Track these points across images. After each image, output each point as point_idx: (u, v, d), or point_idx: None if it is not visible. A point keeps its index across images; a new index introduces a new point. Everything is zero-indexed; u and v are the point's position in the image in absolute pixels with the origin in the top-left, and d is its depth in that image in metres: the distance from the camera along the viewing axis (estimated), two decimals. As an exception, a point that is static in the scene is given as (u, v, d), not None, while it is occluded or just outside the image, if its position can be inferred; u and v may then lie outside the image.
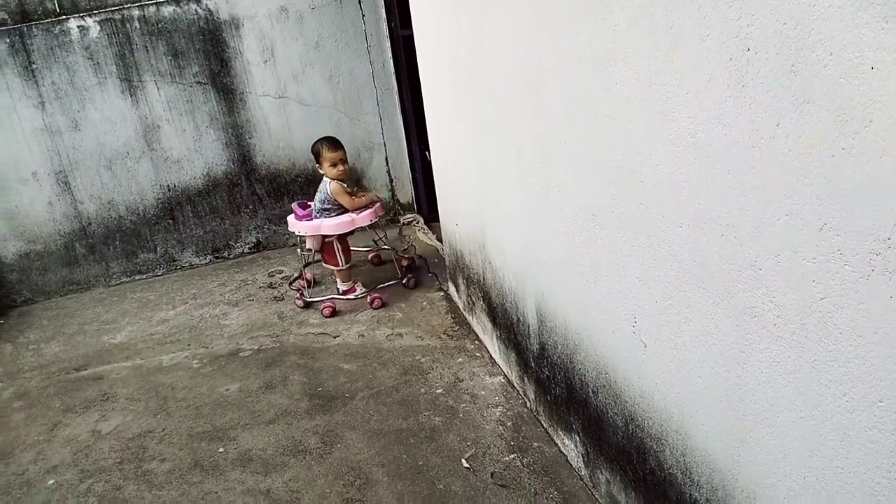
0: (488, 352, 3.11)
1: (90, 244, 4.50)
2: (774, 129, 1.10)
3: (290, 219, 3.83)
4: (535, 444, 2.48)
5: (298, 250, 4.19)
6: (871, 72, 0.90)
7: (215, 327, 3.79)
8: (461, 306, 3.53)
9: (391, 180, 4.97)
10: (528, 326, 2.49)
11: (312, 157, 3.82)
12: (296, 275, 4.23)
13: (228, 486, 2.47)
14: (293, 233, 3.85)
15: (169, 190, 4.55)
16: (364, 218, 3.71)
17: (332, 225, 3.67)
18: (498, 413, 2.69)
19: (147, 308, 4.17)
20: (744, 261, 1.24)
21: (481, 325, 3.17)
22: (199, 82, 4.45)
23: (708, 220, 1.32)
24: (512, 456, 2.43)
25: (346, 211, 3.70)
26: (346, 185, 3.71)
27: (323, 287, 4.11)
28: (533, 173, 2.17)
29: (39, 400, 3.25)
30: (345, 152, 3.73)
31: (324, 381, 3.04)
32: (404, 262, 4.03)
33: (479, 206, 2.88)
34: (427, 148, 3.71)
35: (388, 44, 4.64)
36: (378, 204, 3.83)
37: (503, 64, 2.24)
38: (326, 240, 3.74)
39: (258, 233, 4.80)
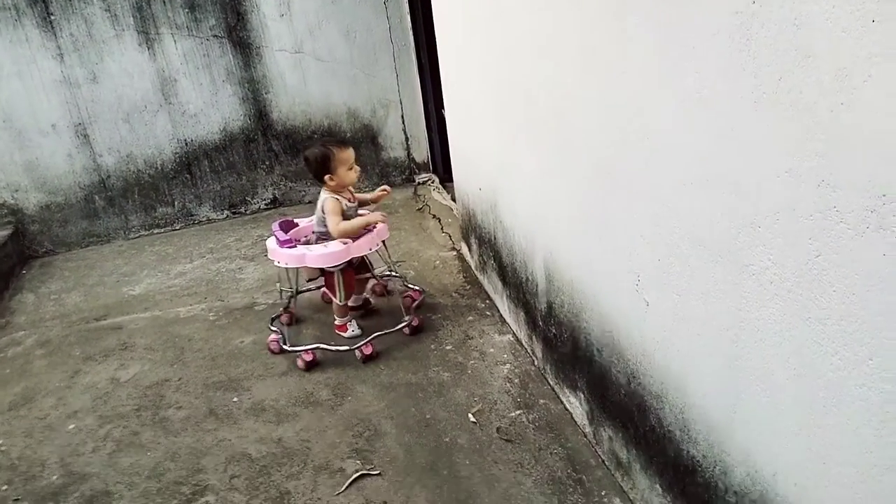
0: (498, 311, 3.13)
1: (109, 197, 4.56)
2: (777, 83, 1.08)
3: (270, 243, 2.96)
4: (542, 401, 2.51)
5: (278, 284, 3.38)
6: (872, 25, 0.89)
7: (231, 281, 3.84)
8: (473, 266, 3.55)
9: (406, 138, 4.95)
10: (537, 285, 2.50)
11: (311, 168, 2.92)
12: (279, 311, 3.30)
13: (242, 434, 2.54)
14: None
15: (186, 144, 4.58)
16: (362, 246, 2.88)
17: (319, 256, 2.81)
18: (506, 370, 2.72)
19: (165, 261, 4.23)
20: (744, 218, 1.23)
21: (492, 284, 3.19)
22: (215, 36, 4.44)
23: (711, 177, 1.31)
24: (518, 412, 2.47)
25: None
26: (345, 201, 2.92)
27: (309, 327, 3.26)
28: (545, 130, 2.16)
29: (60, 348, 3.34)
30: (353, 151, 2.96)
31: (336, 335, 3.09)
32: (407, 299, 3.24)
33: (492, 165, 2.87)
34: (443, 106, 3.68)
35: (405, -1, 4.59)
36: (381, 225, 2.96)
37: (518, 18, 2.21)
38: (328, 270, 2.96)
39: (274, 189, 4.84)
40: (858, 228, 0.97)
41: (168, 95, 4.47)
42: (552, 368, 2.52)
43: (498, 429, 2.39)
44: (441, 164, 4.80)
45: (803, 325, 1.13)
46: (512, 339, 2.92)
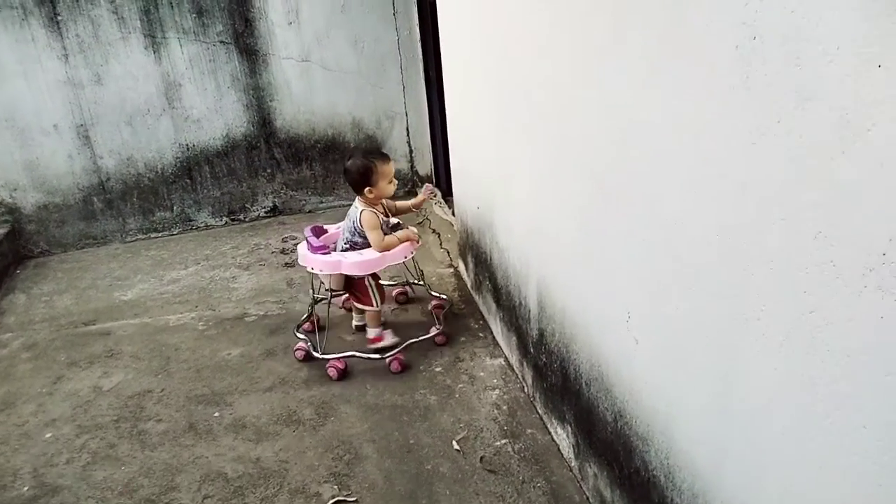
0: (491, 333, 3.06)
1: (108, 199, 4.52)
2: (775, 125, 1.01)
3: (302, 249, 2.94)
4: (529, 430, 2.44)
5: (311, 290, 3.31)
6: (878, 70, 0.82)
7: (224, 290, 3.79)
8: (469, 285, 3.48)
9: (411, 151, 4.90)
10: (529, 311, 2.43)
11: (352, 180, 2.86)
12: (304, 316, 3.22)
13: (219, 452, 2.47)
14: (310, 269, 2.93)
15: (188, 149, 4.54)
16: (397, 255, 2.88)
17: (354, 264, 2.81)
18: (494, 396, 2.64)
19: (160, 266, 4.18)
20: (737, 263, 1.16)
21: (486, 305, 3.12)
22: (222, 41, 4.40)
23: (704, 217, 1.24)
24: (504, 441, 2.39)
25: None
26: (380, 216, 2.89)
27: (334, 335, 3.18)
28: (541, 154, 2.10)
29: (46, 352, 3.29)
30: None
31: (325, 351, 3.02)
32: (438, 308, 3.23)
33: (490, 184, 2.81)
34: (446, 120, 3.63)
35: (415, 10, 4.54)
36: (415, 240, 2.97)
37: (519, 34, 2.15)
38: (357, 277, 2.93)
39: (275, 197, 4.79)
40: (856, 287, 0.90)
41: (172, 100, 4.43)
42: (541, 397, 2.44)
43: (482, 458, 2.32)
44: (444, 179, 4.73)
45: (794, 382, 1.05)
46: (503, 363, 2.85)
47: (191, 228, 4.72)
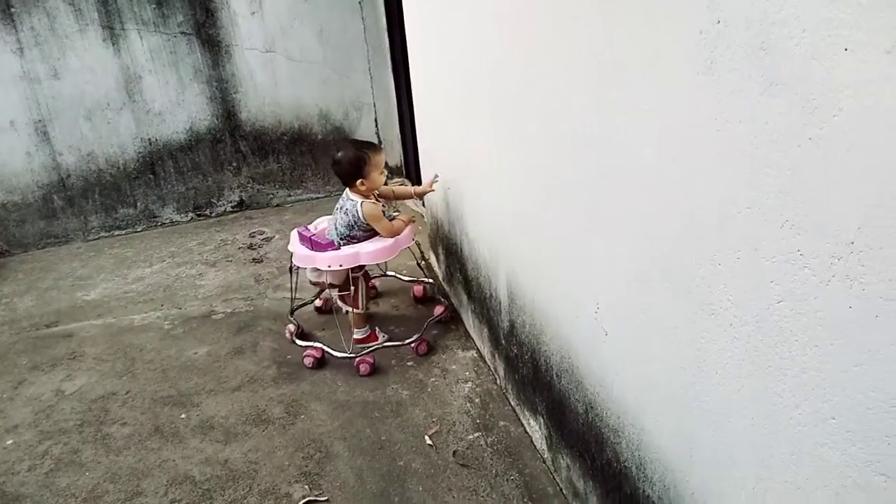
0: (464, 325, 3.04)
1: (69, 197, 4.40)
2: (741, 112, 0.99)
3: (297, 248, 2.79)
4: (502, 422, 2.42)
5: (291, 292, 3.13)
6: (844, 53, 0.80)
7: (190, 288, 3.71)
8: (440, 277, 3.45)
9: (380, 142, 4.84)
10: (500, 302, 2.40)
11: (343, 171, 2.72)
12: (290, 321, 3.09)
13: (187, 455, 2.41)
14: (305, 269, 2.84)
15: (150, 143, 4.43)
16: (407, 237, 2.85)
17: (373, 252, 2.71)
18: (467, 389, 2.62)
19: (124, 265, 4.09)
20: (704, 254, 1.14)
21: (458, 297, 3.09)
22: (183, 33, 4.29)
23: (671, 206, 1.22)
24: (476, 434, 2.37)
25: (374, 233, 2.80)
26: (380, 206, 2.80)
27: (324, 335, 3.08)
28: (506, 144, 2.07)
29: (7, 356, 3.19)
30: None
31: (294, 348, 2.97)
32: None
33: (457, 173, 2.77)
34: (413, 111, 3.58)
35: (380, -1, 4.48)
36: (414, 222, 2.94)
37: (482, 17, 2.11)
38: (353, 274, 2.81)
39: (241, 191, 4.70)
40: (823, 276, 0.88)
41: (132, 93, 4.32)
42: (513, 389, 2.42)
43: (455, 452, 2.29)
44: (415, 169, 4.68)
45: (762, 373, 1.04)
46: (475, 355, 2.82)
47: (155, 225, 4.62)
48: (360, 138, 4.66)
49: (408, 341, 2.85)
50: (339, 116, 4.70)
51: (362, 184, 2.72)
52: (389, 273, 3.41)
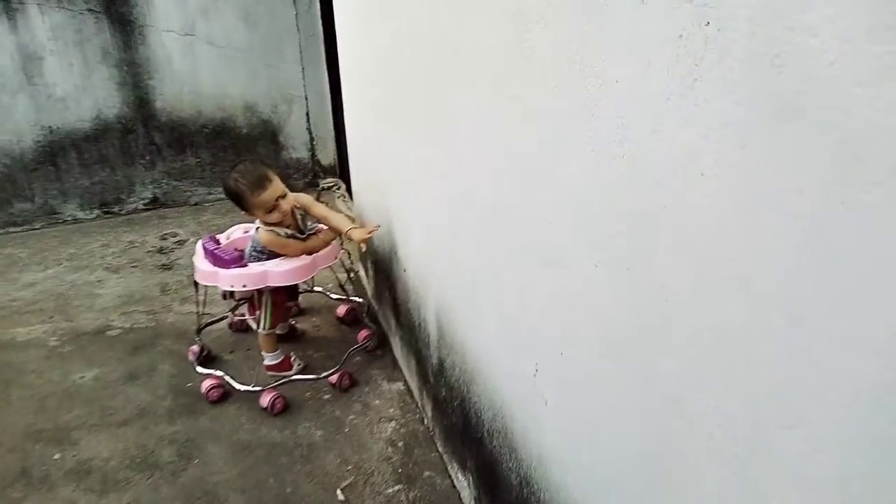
0: (392, 352, 2.72)
1: (-46, 188, 3.91)
2: (738, 151, 0.70)
3: (199, 263, 2.42)
4: (427, 472, 2.11)
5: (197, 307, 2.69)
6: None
7: (87, 297, 3.29)
8: (369, 293, 3.12)
9: (312, 139, 4.47)
10: (429, 335, 2.10)
11: (230, 199, 2.38)
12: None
13: (53, 508, 2.04)
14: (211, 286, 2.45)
15: (51, 132, 3.96)
16: (327, 256, 2.48)
17: (285, 273, 2.33)
18: (390, 430, 2.30)
19: (14, 268, 3.63)
20: (671, 339, 0.85)
21: (387, 319, 2.77)
22: (90, 10, 3.84)
23: (627, 264, 0.93)
24: (397, 487, 2.06)
25: None
26: (282, 231, 2.40)
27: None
28: (432, 158, 1.76)
29: None
30: (278, 180, 2.35)
31: (197, 374, 2.60)
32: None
33: (386, 182, 2.45)
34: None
35: (314, -17, 4.11)
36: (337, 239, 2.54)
37: (411, 14, 1.79)
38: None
39: (155, 187, 4.27)
40: (852, 409, 0.59)
41: (31, 75, 3.84)
42: (442, 433, 2.12)
43: (371, 511, 1.98)
44: (350, 169, 4.34)
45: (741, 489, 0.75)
46: (402, 388, 2.51)
47: (56, 222, 4.15)
48: (279, 135, 4.32)
49: (325, 374, 2.50)
50: (266, 109, 4.31)
51: (251, 214, 2.37)
52: (317, 289, 3.05)
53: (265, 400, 2.37)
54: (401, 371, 2.59)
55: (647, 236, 0.88)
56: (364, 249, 2.56)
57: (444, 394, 2.01)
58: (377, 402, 2.44)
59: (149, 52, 3.99)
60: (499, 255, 1.42)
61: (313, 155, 4.51)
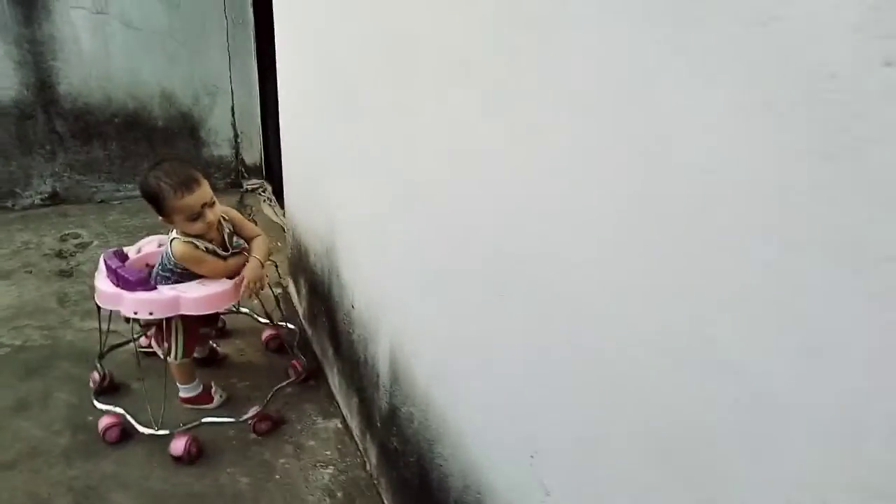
0: (327, 383, 2.44)
1: None
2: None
3: (100, 282, 2.07)
4: (371, 530, 1.87)
5: (99, 332, 2.29)
6: None
7: (-30, 306, 2.86)
8: (301, 313, 2.83)
9: (236, 135, 4.11)
10: (378, 375, 1.85)
11: (146, 201, 2.05)
12: (96, 369, 2.35)
13: (-87, 581, 1.67)
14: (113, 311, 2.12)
15: (-68, 113, 3.46)
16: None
17: (200, 300, 2.00)
18: (328, 476, 2.04)
19: None
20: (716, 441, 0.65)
21: (321, 345, 2.50)
22: (-15, -24, 3.37)
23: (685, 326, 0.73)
24: (338, 549, 1.81)
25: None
26: (201, 244, 2.06)
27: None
28: (387, 164, 1.52)
29: None
30: (207, 185, 2.03)
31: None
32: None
33: (329, 193, 2.18)
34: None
35: (246, -36, 3.76)
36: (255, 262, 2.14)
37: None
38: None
39: (55, 181, 3.80)
40: None
41: None
42: (391, 486, 1.88)
43: (308, 579, 1.72)
44: (277, 170, 4.00)
45: None
46: (340, 425, 2.25)
47: (-63, 215, 3.63)
48: (200, 130, 3.95)
49: (244, 417, 2.16)
50: (186, 100, 3.92)
51: (168, 220, 2.04)
52: (243, 309, 2.70)
53: (178, 446, 2.04)
54: (338, 406, 2.32)
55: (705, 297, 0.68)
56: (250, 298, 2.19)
57: (394, 444, 1.77)
58: (311, 442, 2.17)
59: (53, 29, 3.54)
60: (490, 295, 1.20)
61: (237, 153, 4.15)
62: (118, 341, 2.42)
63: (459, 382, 1.36)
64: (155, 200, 2.00)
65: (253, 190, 4.13)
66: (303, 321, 2.78)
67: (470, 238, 1.23)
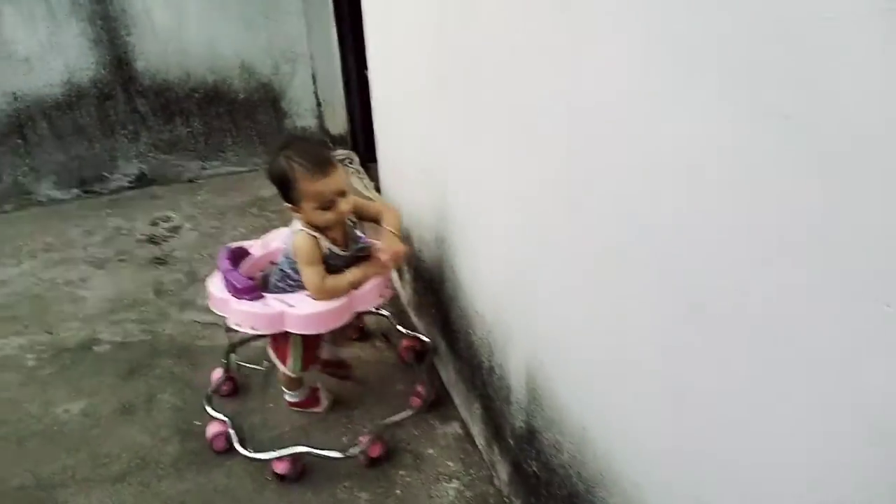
0: (440, 377, 2.26)
1: None
2: None
3: (212, 286, 1.90)
4: (507, 556, 1.69)
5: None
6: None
7: (68, 300, 2.80)
8: (404, 298, 2.64)
9: (319, 104, 3.90)
10: (510, 390, 1.64)
11: (273, 184, 1.83)
12: (219, 375, 2.21)
13: None
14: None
15: (15, 99, 3.39)
16: (368, 298, 1.89)
17: (304, 318, 1.79)
18: (453, 492, 1.86)
19: (-20, 261, 3.12)
20: None
21: (431, 335, 2.30)
22: (55, -49, 3.23)
23: None
24: (473, 578, 1.64)
25: None
26: (325, 243, 1.82)
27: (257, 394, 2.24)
28: (518, 134, 1.26)
29: None
30: (343, 172, 1.81)
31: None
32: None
33: (439, 177, 1.95)
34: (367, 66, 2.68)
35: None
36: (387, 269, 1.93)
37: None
38: None
39: (141, 162, 3.71)
40: None
41: (-14, 30, 3.25)
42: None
43: None
44: (363, 139, 3.79)
45: None
46: (460, 430, 2.06)
47: (30, 203, 3.60)
48: (281, 101, 3.75)
49: (350, 452, 1.89)
50: (266, 70, 3.73)
51: (295, 210, 1.81)
52: (383, 312, 2.43)
53: (281, 465, 1.87)
54: (455, 408, 2.14)
55: None
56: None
57: (533, 468, 1.57)
58: (430, 451, 2.00)
59: (125, 3, 3.38)
60: (682, 323, 0.95)
61: (321, 123, 3.95)
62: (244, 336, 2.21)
63: (621, 413, 1.13)
64: (284, 183, 1.76)
65: (340, 161, 3.93)
66: (407, 307, 2.59)
67: (650, 256, 0.98)
